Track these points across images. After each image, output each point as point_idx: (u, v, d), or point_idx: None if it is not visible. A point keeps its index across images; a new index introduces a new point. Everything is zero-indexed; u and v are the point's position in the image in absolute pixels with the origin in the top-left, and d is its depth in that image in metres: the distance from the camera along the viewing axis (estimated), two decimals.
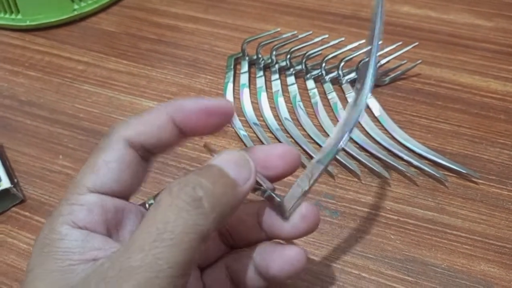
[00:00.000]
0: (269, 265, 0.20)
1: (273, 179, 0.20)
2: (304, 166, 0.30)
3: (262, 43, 0.37)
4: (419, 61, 0.37)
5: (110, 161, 0.18)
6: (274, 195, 0.20)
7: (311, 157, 0.31)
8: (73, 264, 0.16)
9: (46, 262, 0.16)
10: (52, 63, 0.41)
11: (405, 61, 0.36)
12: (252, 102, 0.35)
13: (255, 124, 0.34)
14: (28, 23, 0.44)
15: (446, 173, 0.30)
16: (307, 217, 0.20)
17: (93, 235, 0.17)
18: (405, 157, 0.31)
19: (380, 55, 0.35)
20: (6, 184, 0.30)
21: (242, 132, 0.33)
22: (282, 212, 0.20)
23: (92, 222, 0.17)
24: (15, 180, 0.32)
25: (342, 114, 0.34)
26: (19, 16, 0.44)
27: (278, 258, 0.20)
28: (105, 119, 0.35)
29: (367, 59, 0.20)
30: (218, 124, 0.19)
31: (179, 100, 0.19)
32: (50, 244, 0.17)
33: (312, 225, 0.20)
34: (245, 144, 0.33)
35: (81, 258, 0.16)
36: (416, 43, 0.37)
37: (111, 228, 0.18)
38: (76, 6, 0.45)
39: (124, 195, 0.19)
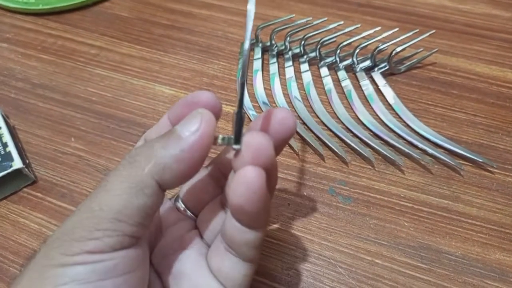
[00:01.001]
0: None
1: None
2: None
3: (276, 30, 0.37)
4: (435, 49, 0.36)
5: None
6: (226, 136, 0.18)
7: (324, 143, 0.31)
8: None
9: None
10: (65, 47, 0.41)
11: (420, 49, 0.36)
12: (265, 88, 0.35)
13: (264, 103, 0.33)
14: (41, 7, 0.44)
15: (461, 161, 0.30)
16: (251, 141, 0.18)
17: None
18: (420, 145, 0.30)
19: (395, 43, 0.35)
20: (18, 164, 0.30)
21: (252, 112, 0.33)
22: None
23: None
24: (27, 161, 0.32)
25: (356, 101, 0.34)
26: (32, 0, 0.44)
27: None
28: (118, 103, 0.35)
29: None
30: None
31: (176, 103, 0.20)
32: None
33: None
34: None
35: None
36: (433, 31, 0.36)
37: None
38: None
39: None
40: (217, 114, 0.19)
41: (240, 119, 0.18)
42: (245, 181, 0.16)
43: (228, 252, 0.19)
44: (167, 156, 0.17)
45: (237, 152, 0.17)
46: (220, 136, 0.18)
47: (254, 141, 0.17)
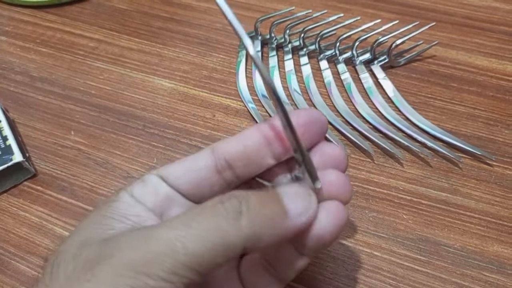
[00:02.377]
0: None
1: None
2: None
3: (276, 22, 0.37)
4: (435, 42, 0.36)
5: (187, 158, 0.19)
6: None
7: (324, 137, 0.31)
8: (114, 219, 0.17)
9: (92, 217, 0.18)
10: (64, 40, 0.40)
11: (420, 42, 0.36)
12: None
13: (268, 103, 0.33)
14: None
15: (460, 154, 0.30)
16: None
17: (140, 204, 0.18)
18: (419, 138, 0.30)
19: (395, 36, 0.35)
20: (18, 157, 0.30)
21: (254, 112, 0.33)
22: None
23: (143, 196, 0.19)
24: (27, 155, 0.32)
25: (355, 94, 0.34)
26: None
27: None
28: (117, 96, 0.35)
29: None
30: (312, 139, 0.20)
31: (271, 119, 0.19)
32: (106, 202, 0.19)
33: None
34: (256, 122, 0.32)
35: (123, 217, 0.18)
36: (433, 23, 0.36)
37: (156, 208, 0.19)
38: None
39: (179, 189, 0.19)
40: (323, 136, 0.20)
41: (309, 160, 0.18)
42: (334, 217, 0.18)
43: (266, 271, 0.20)
44: (267, 231, 0.16)
45: (317, 189, 0.18)
46: (288, 177, 0.19)
47: (338, 180, 0.19)
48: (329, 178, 0.19)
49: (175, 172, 0.19)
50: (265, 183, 0.20)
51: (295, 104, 0.33)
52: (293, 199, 0.17)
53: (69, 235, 0.18)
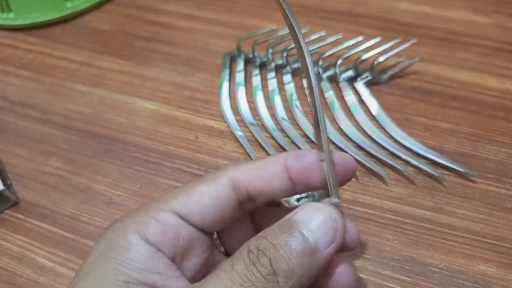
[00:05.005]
0: None
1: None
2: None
3: (258, 41, 0.37)
4: (417, 59, 0.36)
5: (207, 193, 0.18)
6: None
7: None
8: (131, 281, 0.16)
9: (105, 269, 0.16)
10: (45, 63, 0.40)
11: (403, 59, 0.36)
12: (248, 101, 0.35)
13: (251, 124, 0.33)
14: (20, 22, 0.43)
15: (444, 172, 0.30)
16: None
17: (159, 254, 0.17)
18: (403, 156, 0.30)
19: (377, 53, 0.35)
20: None
21: (238, 133, 0.33)
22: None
23: (163, 242, 0.17)
24: (8, 182, 0.31)
25: (339, 113, 0.34)
26: (11, 15, 0.43)
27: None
28: (98, 119, 0.35)
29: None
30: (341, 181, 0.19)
31: (298, 150, 0.19)
32: (115, 249, 0.16)
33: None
34: (241, 145, 0.32)
35: (140, 277, 0.16)
36: (415, 40, 0.36)
37: (178, 255, 0.17)
38: (69, 5, 0.44)
39: (203, 229, 0.18)
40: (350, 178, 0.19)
41: (331, 167, 0.18)
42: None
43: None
44: (303, 275, 0.16)
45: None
46: (294, 197, 0.18)
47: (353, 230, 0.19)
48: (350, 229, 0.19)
49: (195, 209, 0.18)
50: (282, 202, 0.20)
51: (284, 131, 0.33)
52: (318, 232, 0.16)
53: None
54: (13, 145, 0.34)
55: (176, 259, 0.17)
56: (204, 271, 0.19)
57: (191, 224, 0.18)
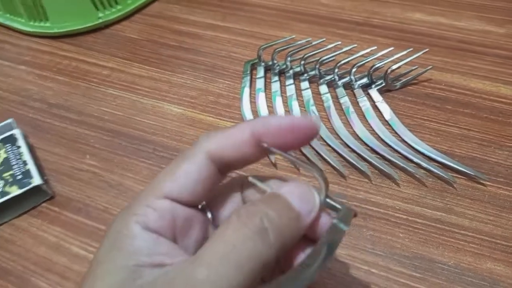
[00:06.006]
0: None
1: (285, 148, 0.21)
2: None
3: (278, 50, 0.39)
4: (430, 67, 0.38)
5: (190, 172, 0.19)
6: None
7: (322, 158, 0.33)
8: (141, 265, 0.17)
9: (116, 257, 0.18)
10: (79, 68, 0.43)
11: (416, 67, 0.38)
12: (267, 106, 0.37)
13: None
14: (56, 30, 0.46)
15: (454, 175, 0.31)
16: None
17: (161, 239, 0.18)
18: (415, 159, 0.32)
19: (391, 61, 0.37)
20: (37, 181, 0.32)
21: None
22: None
23: (163, 227, 0.18)
24: (45, 178, 0.34)
25: (353, 117, 0.35)
26: (47, 24, 0.47)
27: None
28: (129, 121, 0.38)
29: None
30: (301, 141, 0.20)
31: (264, 117, 0.20)
32: (122, 240, 0.18)
33: None
34: None
35: (149, 261, 0.17)
36: (426, 49, 0.38)
37: (178, 236, 0.19)
38: (101, 14, 0.47)
39: (195, 204, 0.20)
40: (313, 137, 0.20)
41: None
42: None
43: None
44: (289, 236, 0.18)
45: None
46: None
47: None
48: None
49: (183, 189, 0.19)
50: (260, 185, 0.21)
51: None
52: (300, 201, 0.19)
53: (89, 284, 0.18)
54: (50, 144, 0.37)
55: (177, 239, 0.19)
56: None
57: (183, 204, 0.19)
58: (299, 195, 0.19)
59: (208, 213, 0.21)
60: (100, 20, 0.47)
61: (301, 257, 0.20)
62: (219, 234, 0.17)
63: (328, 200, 0.20)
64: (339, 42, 0.39)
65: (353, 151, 0.33)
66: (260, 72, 0.39)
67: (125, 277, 0.17)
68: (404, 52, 0.37)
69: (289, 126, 0.19)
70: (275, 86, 0.38)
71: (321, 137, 0.34)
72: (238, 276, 0.16)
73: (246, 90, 0.38)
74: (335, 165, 0.32)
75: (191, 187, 0.19)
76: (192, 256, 0.17)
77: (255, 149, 0.20)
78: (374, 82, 0.37)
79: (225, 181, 0.21)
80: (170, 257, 0.18)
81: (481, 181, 0.31)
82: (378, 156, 0.33)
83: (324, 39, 0.40)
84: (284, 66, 0.39)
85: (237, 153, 0.20)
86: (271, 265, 0.17)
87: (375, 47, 0.38)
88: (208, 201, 0.21)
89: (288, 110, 0.37)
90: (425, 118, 0.35)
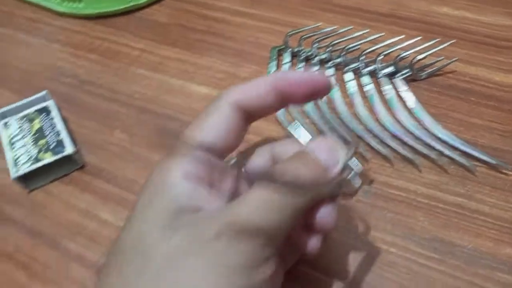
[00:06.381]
0: None
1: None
2: None
3: (304, 36, 0.40)
4: (455, 59, 0.38)
5: (220, 122, 0.21)
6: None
7: (345, 140, 0.33)
8: (181, 209, 0.19)
9: (157, 202, 0.19)
10: (110, 49, 0.44)
11: (441, 58, 0.38)
12: None
13: (293, 109, 0.36)
14: (88, 11, 0.48)
15: (476, 163, 0.32)
16: None
17: (199, 187, 0.20)
18: (437, 147, 0.32)
19: (417, 51, 0.37)
20: (69, 150, 0.33)
21: (280, 116, 0.36)
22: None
23: (200, 176, 0.20)
24: (77, 148, 0.35)
25: (377, 105, 0.36)
26: (81, 5, 0.48)
27: None
28: (157, 100, 0.39)
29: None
30: (316, 95, 0.22)
31: (284, 71, 0.23)
32: (162, 186, 0.19)
33: None
34: (282, 126, 0.35)
35: (188, 205, 0.19)
36: (454, 40, 0.38)
37: (214, 185, 0.21)
38: None
39: (225, 153, 0.22)
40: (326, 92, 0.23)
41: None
42: None
43: None
44: (318, 187, 0.19)
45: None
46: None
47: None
48: None
49: (215, 141, 0.21)
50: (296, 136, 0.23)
51: (322, 113, 0.36)
52: (327, 154, 0.20)
53: (135, 224, 0.19)
54: (82, 118, 0.38)
55: (213, 188, 0.20)
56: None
57: (217, 155, 0.21)
58: (326, 149, 0.20)
59: (242, 168, 0.23)
60: (132, 3, 0.48)
61: (305, 241, 0.22)
62: (258, 185, 0.19)
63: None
64: (367, 30, 0.40)
65: (376, 136, 0.34)
66: (287, 58, 0.40)
67: (166, 218, 0.18)
68: (431, 42, 0.37)
69: (306, 80, 0.21)
70: None
71: (344, 123, 0.35)
72: (273, 219, 0.18)
73: None
74: (358, 149, 0.33)
75: (222, 136, 0.21)
76: (233, 201, 0.18)
77: (276, 99, 0.21)
78: (399, 71, 0.38)
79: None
80: (208, 203, 0.19)
81: (503, 170, 0.31)
82: (401, 143, 0.33)
83: (352, 27, 0.40)
84: (310, 53, 0.40)
85: (259, 102, 0.21)
86: (300, 217, 0.19)
87: (403, 36, 0.39)
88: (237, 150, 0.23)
89: None
90: (449, 108, 0.36)
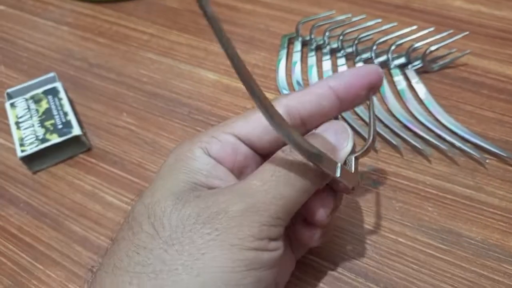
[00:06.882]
0: None
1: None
2: None
3: (316, 25, 0.39)
4: (468, 51, 0.38)
5: (263, 119, 0.20)
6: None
7: (356, 132, 0.33)
8: (199, 184, 0.19)
9: (176, 174, 0.19)
10: (119, 32, 0.44)
11: (454, 50, 0.38)
12: (303, 79, 0.38)
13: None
14: None
15: (486, 156, 0.31)
16: None
17: (219, 166, 0.20)
18: (448, 138, 0.32)
19: (429, 42, 0.37)
20: (77, 131, 0.33)
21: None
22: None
23: (223, 157, 0.20)
24: (84, 130, 0.35)
25: (388, 95, 0.36)
26: None
27: None
28: (166, 85, 0.38)
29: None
30: (373, 88, 0.22)
31: (338, 72, 0.22)
32: (184, 160, 0.20)
33: None
34: None
35: (206, 181, 0.19)
36: (467, 33, 0.38)
37: (235, 169, 0.21)
38: None
39: (258, 150, 0.21)
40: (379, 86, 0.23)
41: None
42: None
43: None
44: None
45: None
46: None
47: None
48: None
49: (252, 133, 0.21)
50: None
51: None
52: (335, 135, 0.21)
53: (149, 193, 0.19)
54: (90, 100, 0.38)
55: (234, 172, 0.21)
56: None
57: (247, 145, 0.21)
58: (334, 131, 0.21)
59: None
60: None
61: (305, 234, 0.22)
62: (269, 161, 0.19)
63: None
64: (380, 20, 0.39)
65: (386, 126, 0.33)
66: (297, 46, 0.40)
67: (183, 190, 0.18)
68: (444, 34, 0.37)
69: (360, 77, 0.21)
70: (312, 61, 0.39)
71: (355, 112, 0.35)
72: (285, 192, 0.18)
73: (283, 63, 0.39)
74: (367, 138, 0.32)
75: (260, 133, 0.21)
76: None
77: (334, 102, 0.21)
78: (411, 62, 0.37)
79: None
80: (225, 182, 0.19)
81: None
82: (411, 133, 0.33)
83: (365, 15, 0.40)
84: (322, 42, 0.40)
85: (316, 107, 0.21)
86: (312, 192, 0.20)
87: (416, 27, 0.38)
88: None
89: None
90: (460, 100, 0.35)
